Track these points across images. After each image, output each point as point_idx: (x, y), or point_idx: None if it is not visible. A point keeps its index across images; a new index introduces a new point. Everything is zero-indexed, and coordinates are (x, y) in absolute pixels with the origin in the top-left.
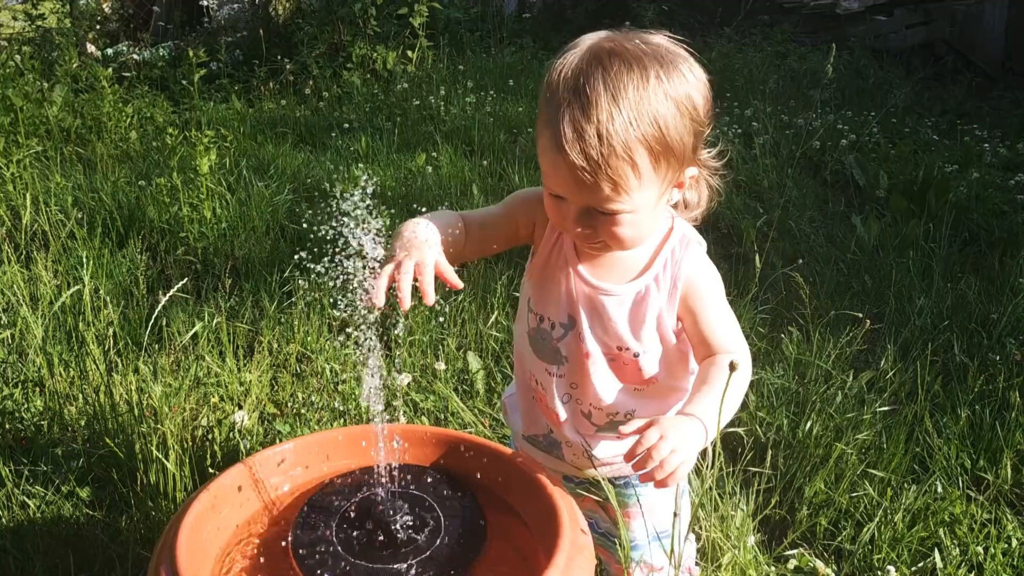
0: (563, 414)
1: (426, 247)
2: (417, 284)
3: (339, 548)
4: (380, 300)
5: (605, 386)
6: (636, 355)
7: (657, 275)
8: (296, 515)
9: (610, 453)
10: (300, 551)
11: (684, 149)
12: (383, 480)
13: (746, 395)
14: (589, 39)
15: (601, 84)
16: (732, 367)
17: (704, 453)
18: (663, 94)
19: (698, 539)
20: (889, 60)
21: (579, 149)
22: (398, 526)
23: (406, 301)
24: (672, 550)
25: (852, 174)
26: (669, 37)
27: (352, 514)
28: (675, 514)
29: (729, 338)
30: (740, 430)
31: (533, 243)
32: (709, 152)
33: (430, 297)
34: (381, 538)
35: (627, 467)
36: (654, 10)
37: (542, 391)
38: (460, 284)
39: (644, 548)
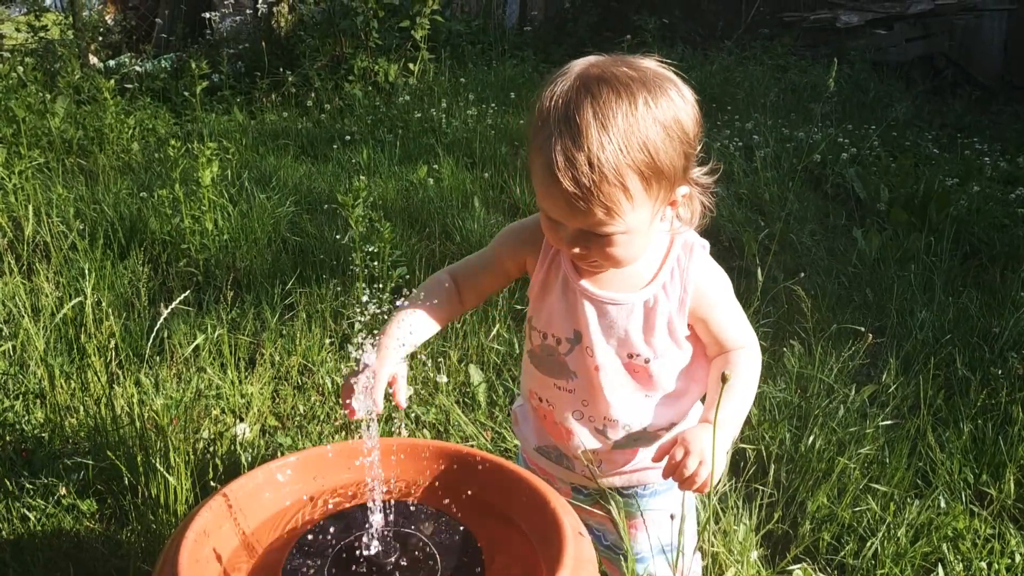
0: (575, 431)
1: (386, 362)
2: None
3: None
4: (378, 406)
5: (617, 398)
6: (647, 361)
7: (665, 283)
8: (286, 556)
9: (624, 459)
10: None
11: (674, 171)
12: (375, 519)
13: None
14: (578, 65)
15: (590, 112)
16: (724, 379)
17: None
18: (651, 119)
19: (704, 556)
20: (889, 73)
21: (571, 177)
22: (393, 567)
23: (353, 411)
24: (677, 561)
25: (853, 187)
26: (658, 61)
27: (344, 557)
28: (672, 516)
29: (739, 333)
30: (743, 444)
31: (528, 272)
32: (700, 170)
33: (379, 406)
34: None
35: (636, 477)
36: (655, 23)
37: (548, 407)
38: (404, 405)
39: (650, 561)
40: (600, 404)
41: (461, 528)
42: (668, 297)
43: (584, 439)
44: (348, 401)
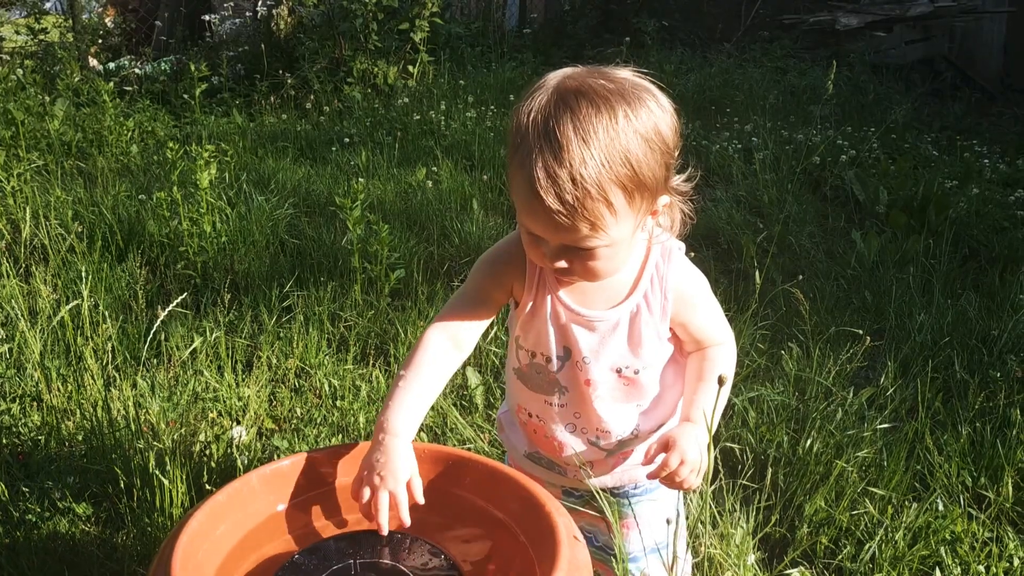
0: (568, 443)
1: (391, 478)
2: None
3: None
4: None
5: (608, 411)
6: (637, 372)
7: (646, 292)
8: None
9: (614, 462)
10: None
11: (656, 182)
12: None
13: (746, 411)
14: (553, 79)
15: (571, 127)
16: (721, 381)
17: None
18: (632, 132)
19: (696, 554)
20: (889, 76)
21: (554, 194)
22: None
23: (384, 528)
24: (673, 559)
25: (852, 190)
26: (633, 71)
27: None
28: (668, 520)
29: (717, 331)
30: (739, 447)
31: (514, 297)
32: (679, 178)
33: (406, 521)
34: None
35: (628, 476)
36: (654, 26)
37: (538, 422)
38: (421, 500)
39: (642, 560)
40: (592, 417)
41: (443, 555)
42: (650, 306)
43: (576, 450)
44: (375, 514)
